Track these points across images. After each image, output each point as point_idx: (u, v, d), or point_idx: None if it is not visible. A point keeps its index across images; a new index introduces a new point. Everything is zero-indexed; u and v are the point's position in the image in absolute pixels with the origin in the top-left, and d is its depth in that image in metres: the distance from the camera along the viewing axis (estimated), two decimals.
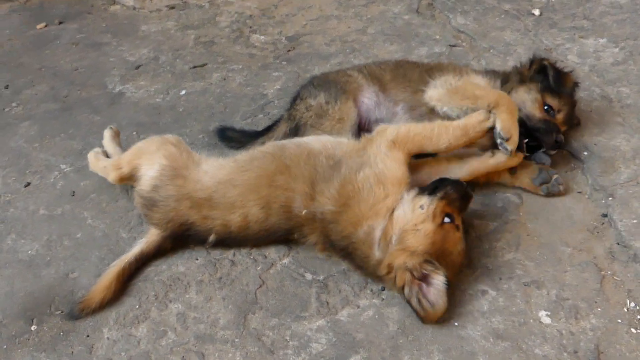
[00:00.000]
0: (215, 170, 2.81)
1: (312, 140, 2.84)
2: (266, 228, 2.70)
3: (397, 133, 2.72)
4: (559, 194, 2.97)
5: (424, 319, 2.37)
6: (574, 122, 3.32)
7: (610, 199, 2.97)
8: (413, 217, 2.47)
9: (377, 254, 2.48)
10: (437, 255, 2.40)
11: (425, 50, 4.39)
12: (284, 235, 2.73)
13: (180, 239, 2.80)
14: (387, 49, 4.47)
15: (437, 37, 4.55)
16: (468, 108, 2.96)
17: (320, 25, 4.90)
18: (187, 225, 2.75)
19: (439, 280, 2.34)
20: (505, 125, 2.86)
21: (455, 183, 2.61)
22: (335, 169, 2.63)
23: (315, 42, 4.66)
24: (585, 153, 3.26)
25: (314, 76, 3.53)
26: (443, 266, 2.38)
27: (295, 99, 3.33)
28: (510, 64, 4.10)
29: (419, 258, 2.38)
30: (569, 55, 4.16)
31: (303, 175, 2.65)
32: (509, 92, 3.13)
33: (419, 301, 2.34)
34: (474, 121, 2.83)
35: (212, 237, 2.73)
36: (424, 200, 2.51)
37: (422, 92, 3.15)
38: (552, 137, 3.04)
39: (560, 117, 3.15)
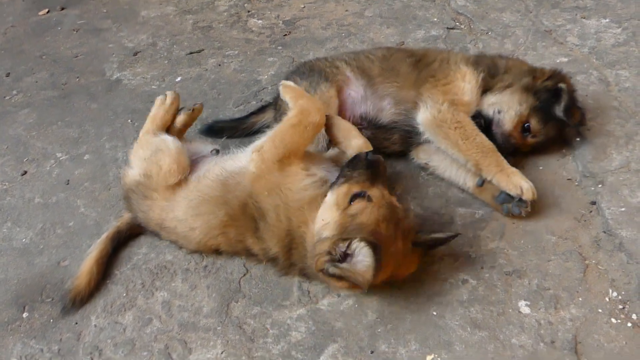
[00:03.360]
0: (173, 203, 2.67)
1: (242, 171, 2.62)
2: (240, 256, 2.73)
3: (265, 148, 2.57)
4: (519, 216, 2.78)
5: (361, 284, 2.18)
6: (542, 149, 3.12)
7: (599, 186, 2.93)
8: (319, 213, 2.36)
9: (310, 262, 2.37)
10: (366, 232, 2.23)
11: (422, 34, 4.33)
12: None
13: (150, 232, 2.86)
14: (383, 32, 4.42)
15: (435, 19, 4.48)
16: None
17: (318, 8, 4.85)
18: (155, 231, 2.81)
19: (354, 246, 2.17)
20: (509, 181, 2.77)
21: (352, 161, 2.49)
22: (262, 220, 2.48)
23: (312, 26, 4.62)
24: (578, 139, 3.21)
25: (301, 63, 3.51)
26: (381, 236, 2.24)
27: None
28: (507, 46, 4.06)
29: (333, 239, 2.24)
30: (569, 37, 4.07)
31: (248, 229, 2.53)
32: (504, 87, 3.04)
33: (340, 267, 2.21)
34: (304, 106, 2.66)
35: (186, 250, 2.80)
36: (328, 195, 2.42)
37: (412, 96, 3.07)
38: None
39: (531, 141, 3.03)
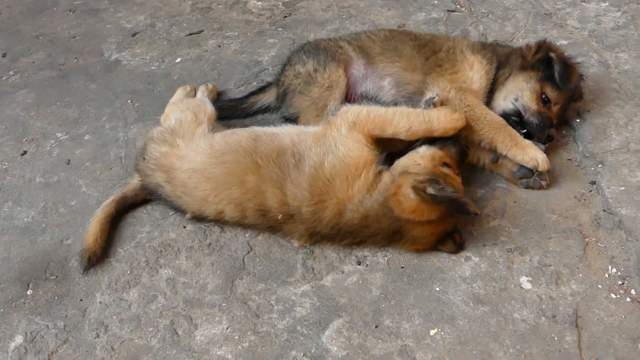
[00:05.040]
0: (194, 153, 2.75)
1: (283, 133, 2.76)
2: (244, 223, 2.71)
3: (357, 114, 2.68)
4: (539, 188, 2.87)
5: (466, 205, 2.39)
6: (567, 114, 3.19)
7: (599, 166, 2.97)
8: (412, 158, 2.61)
9: (374, 202, 2.51)
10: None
11: (422, 16, 4.32)
12: (265, 229, 2.72)
13: (155, 196, 2.87)
14: (384, 14, 4.41)
15: (436, 1, 4.47)
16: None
17: None
18: (161, 191, 2.80)
19: (449, 190, 2.42)
20: (524, 153, 2.82)
21: (454, 140, 2.70)
22: (299, 169, 2.58)
23: (312, 7, 4.60)
24: (578, 120, 3.24)
25: (304, 43, 3.50)
26: None
27: (285, 65, 3.32)
28: (507, 29, 4.06)
29: (428, 177, 2.46)
30: (569, 20, 4.09)
31: (272, 179, 2.57)
32: (507, 77, 3.06)
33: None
34: (440, 114, 2.74)
35: (188, 215, 2.78)
36: (422, 147, 2.68)
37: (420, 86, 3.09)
38: (545, 132, 2.94)
39: (556, 109, 3.04)
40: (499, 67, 3.12)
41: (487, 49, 3.20)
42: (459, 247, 2.61)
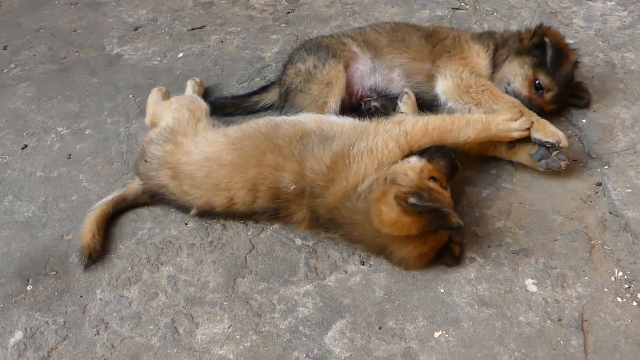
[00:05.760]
0: (204, 145, 2.75)
1: (308, 119, 2.76)
2: (252, 209, 2.68)
3: (412, 126, 2.63)
4: (559, 169, 2.82)
5: (449, 216, 2.30)
6: (563, 100, 3.16)
7: (606, 167, 2.94)
8: (402, 167, 2.50)
9: (362, 203, 2.44)
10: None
11: (427, 13, 4.29)
12: (270, 214, 2.69)
13: (158, 198, 2.84)
14: (388, 11, 4.37)
15: None
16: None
17: None
18: (164, 191, 2.77)
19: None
20: (544, 130, 2.77)
21: (444, 152, 2.59)
22: (326, 145, 2.58)
23: (315, 4, 4.56)
24: (584, 120, 3.21)
25: (306, 40, 3.47)
26: None
27: (287, 63, 3.29)
28: (512, 27, 4.01)
29: (412, 189, 2.37)
30: (575, 19, 4.05)
31: (293, 155, 2.57)
32: (503, 60, 3.06)
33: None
34: (499, 119, 2.74)
35: (193, 211, 2.75)
36: (413, 158, 2.57)
37: (429, 70, 3.09)
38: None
39: (548, 96, 3.03)
40: (497, 49, 3.15)
41: (484, 36, 3.27)
42: (456, 261, 2.55)
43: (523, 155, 2.91)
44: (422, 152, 2.60)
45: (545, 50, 2.98)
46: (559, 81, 3.02)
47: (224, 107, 3.43)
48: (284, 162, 2.57)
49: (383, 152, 2.55)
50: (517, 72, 3.04)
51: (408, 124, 2.65)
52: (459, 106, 2.97)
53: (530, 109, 2.91)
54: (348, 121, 2.76)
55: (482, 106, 2.90)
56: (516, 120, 2.75)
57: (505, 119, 2.74)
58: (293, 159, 2.57)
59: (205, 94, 3.62)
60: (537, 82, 3.01)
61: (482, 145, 2.91)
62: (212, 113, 3.34)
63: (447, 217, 2.28)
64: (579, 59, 3.16)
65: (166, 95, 3.46)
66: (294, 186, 2.55)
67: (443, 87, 3.01)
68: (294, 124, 2.73)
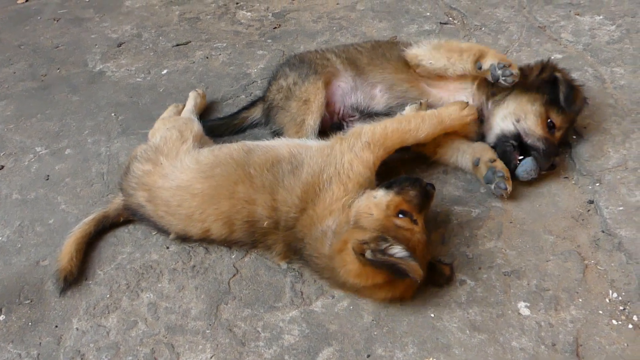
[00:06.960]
0: (179, 171, 2.64)
1: (281, 146, 2.67)
2: (230, 240, 2.58)
3: (372, 134, 2.59)
4: (500, 197, 2.78)
5: (413, 270, 2.14)
6: (566, 141, 3.08)
7: (597, 184, 2.88)
8: (367, 204, 2.37)
9: (327, 248, 2.33)
10: (407, 246, 2.22)
11: (415, 28, 4.25)
12: (249, 245, 2.61)
13: (138, 216, 2.74)
14: (375, 26, 4.33)
15: (428, 14, 4.40)
16: (455, 60, 2.94)
17: (308, 1, 4.75)
18: (143, 211, 2.67)
19: (395, 250, 2.16)
20: (498, 56, 2.86)
21: (414, 181, 2.49)
22: (296, 174, 2.50)
23: (302, 19, 4.51)
24: (574, 137, 3.15)
25: (292, 55, 3.41)
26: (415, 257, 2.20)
27: (271, 80, 3.23)
28: (501, 42, 3.99)
29: (374, 234, 2.23)
30: (563, 34, 4.02)
31: (264, 186, 2.49)
32: (505, 96, 2.95)
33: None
34: (450, 110, 2.82)
35: (171, 235, 2.65)
36: (380, 192, 2.44)
37: (402, 52, 3.10)
38: (551, 160, 2.82)
39: (559, 135, 2.91)
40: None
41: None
42: (446, 281, 2.47)
43: (481, 175, 2.87)
44: (390, 184, 2.47)
45: (557, 86, 2.87)
46: (569, 119, 2.92)
47: (214, 129, 3.32)
48: (255, 195, 2.48)
49: (349, 176, 2.47)
50: (528, 110, 2.88)
51: (367, 133, 2.61)
52: (433, 61, 3.00)
53: (547, 149, 2.81)
54: (315, 144, 2.68)
55: (444, 54, 2.97)
56: (464, 108, 2.86)
57: (455, 109, 2.84)
58: (264, 191, 2.47)
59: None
60: (549, 120, 2.87)
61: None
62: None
63: (404, 273, 2.13)
64: (586, 96, 3.06)
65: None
66: (267, 222, 2.46)
67: (415, 50, 3.06)
68: (266, 151, 2.64)
